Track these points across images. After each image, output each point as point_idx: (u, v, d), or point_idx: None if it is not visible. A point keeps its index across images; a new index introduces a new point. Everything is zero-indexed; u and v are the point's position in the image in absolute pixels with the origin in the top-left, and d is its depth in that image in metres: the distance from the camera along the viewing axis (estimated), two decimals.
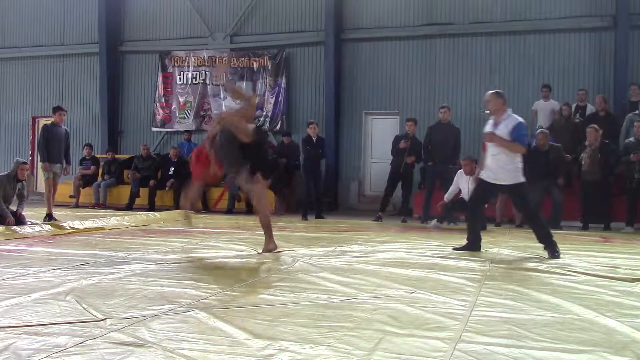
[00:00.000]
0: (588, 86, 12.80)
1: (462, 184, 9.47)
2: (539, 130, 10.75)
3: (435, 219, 9.84)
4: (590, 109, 11.89)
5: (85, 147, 14.90)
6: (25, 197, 8.64)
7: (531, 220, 6.54)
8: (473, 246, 6.48)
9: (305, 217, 11.32)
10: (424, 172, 12.04)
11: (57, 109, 9.86)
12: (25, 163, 8.42)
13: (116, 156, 15.10)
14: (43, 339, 2.80)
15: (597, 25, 13.12)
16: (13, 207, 8.31)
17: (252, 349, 2.72)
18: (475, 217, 6.70)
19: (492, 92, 6.43)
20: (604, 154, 9.96)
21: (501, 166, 6.22)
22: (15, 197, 8.43)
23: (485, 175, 6.45)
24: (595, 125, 10.14)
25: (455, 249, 6.56)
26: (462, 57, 14.02)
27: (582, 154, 10.20)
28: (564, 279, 4.72)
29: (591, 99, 12.23)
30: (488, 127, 6.40)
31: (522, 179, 6.31)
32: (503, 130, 6.20)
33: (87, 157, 14.70)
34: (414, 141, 11.06)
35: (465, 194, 9.27)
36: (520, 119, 6.29)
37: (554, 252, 6.08)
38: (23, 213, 8.39)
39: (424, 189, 13.03)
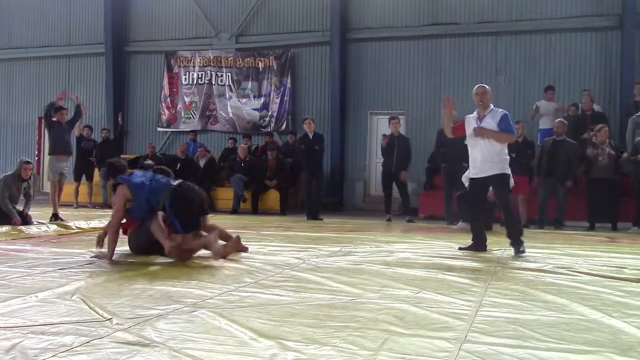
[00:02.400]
0: (594, 86, 12.76)
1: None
2: (558, 119, 10.66)
3: (461, 220, 9.56)
4: (597, 108, 11.84)
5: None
6: (31, 196, 8.67)
7: (507, 216, 6.52)
8: (478, 246, 6.48)
9: (309, 217, 11.32)
10: (443, 173, 11.87)
11: (58, 109, 9.90)
12: (28, 162, 8.42)
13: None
14: (49, 339, 2.81)
15: (603, 24, 13.08)
16: (20, 207, 8.34)
17: (257, 349, 2.72)
18: (476, 218, 6.69)
19: (483, 86, 6.54)
20: (617, 152, 9.92)
21: (489, 158, 6.26)
22: (22, 197, 8.46)
23: (473, 172, 6.47)
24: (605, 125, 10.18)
25: (460, 249, 6.56)
26: (467, 57, 14.00)
27: (595, 151, 10.12)
28: (569, 280, 4.71)
29: (597, 98, 12.18)
30: (472, 121, 6.44)
31: (508, 171, 6.37)
32: (490, 123, 6.30)
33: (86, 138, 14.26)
34: (400, 140, 11.01)
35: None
36: (505, 111, 6.43)
37: (519, 250, 6.19)
38: (29, 213, 8.42)
39: (429, 189, 13.01)
